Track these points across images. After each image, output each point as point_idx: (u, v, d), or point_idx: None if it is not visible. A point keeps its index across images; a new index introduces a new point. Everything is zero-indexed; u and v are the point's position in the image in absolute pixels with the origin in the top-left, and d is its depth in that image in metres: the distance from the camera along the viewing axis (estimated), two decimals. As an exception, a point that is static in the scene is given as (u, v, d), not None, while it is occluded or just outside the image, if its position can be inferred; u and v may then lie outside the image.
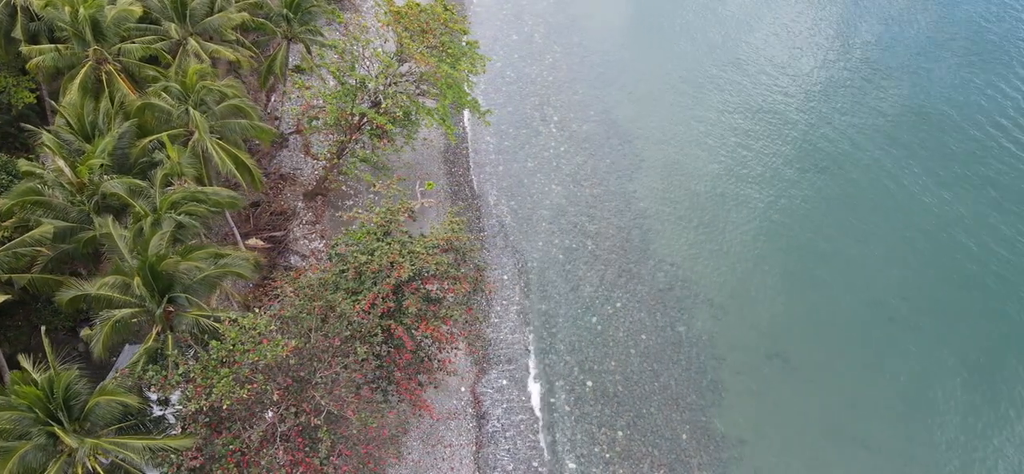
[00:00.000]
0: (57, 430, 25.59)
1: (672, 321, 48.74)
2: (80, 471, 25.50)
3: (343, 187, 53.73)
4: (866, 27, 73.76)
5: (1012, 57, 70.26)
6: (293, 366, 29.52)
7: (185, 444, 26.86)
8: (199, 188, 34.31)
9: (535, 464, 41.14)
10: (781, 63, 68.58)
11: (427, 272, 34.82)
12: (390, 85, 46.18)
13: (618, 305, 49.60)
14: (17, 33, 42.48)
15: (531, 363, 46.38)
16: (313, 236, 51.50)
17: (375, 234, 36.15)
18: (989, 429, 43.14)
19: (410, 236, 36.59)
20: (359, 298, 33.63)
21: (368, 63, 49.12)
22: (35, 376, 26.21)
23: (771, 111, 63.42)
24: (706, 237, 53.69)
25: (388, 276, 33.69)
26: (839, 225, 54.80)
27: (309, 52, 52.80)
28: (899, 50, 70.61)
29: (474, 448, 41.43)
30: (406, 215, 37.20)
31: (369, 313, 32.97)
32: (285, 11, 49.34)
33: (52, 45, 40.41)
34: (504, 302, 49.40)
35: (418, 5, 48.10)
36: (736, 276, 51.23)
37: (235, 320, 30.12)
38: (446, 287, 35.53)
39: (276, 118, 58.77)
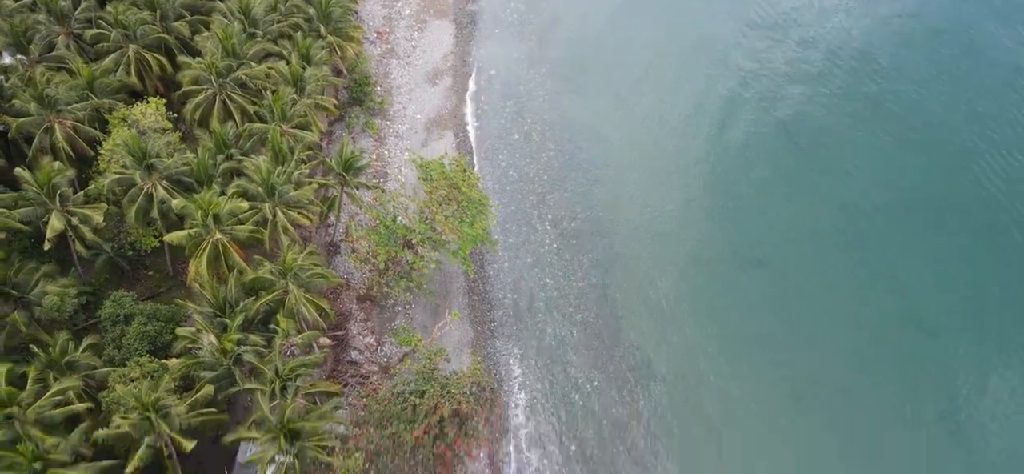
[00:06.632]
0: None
1: (636, 396, 65.63)
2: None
3: (386, 288, 70.04)
4: (799, 118, 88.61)
5: (933, 145, 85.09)
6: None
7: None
8: (305, 355, 50.84)
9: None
10: (732, 161, 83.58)
11: (460, 405, 51.62)
12: (423, 237, 62.39)
13: (595, 384, 66.41)
14: (154, 213, 58.69)
15: (531, 432, 63.48)
16: (366, 333, 68.12)
17: (424, 374, 52.86)
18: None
19: (446, 377, 53.27)
20: (414, 426, 50.60)
21: (404, 211, 65.35)
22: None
23: (719, 205, 78.88)
24: (662, 322, 69.94)
25: (434, 412, 50.53)
26: (770, 310, 70.86)
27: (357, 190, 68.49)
28: (826, 141, 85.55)
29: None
30: (444, 359, 53.81)
31: (422, 438, 49.97)
32: (340, 170, 64.93)
33: (185, 231, 56.45)
34: (508, 386, 66.17)
35: (444, 173, 63.68)
36: (683, 356, 67.62)
37: (339, 454, 47.17)
38: (474, 412, 52.30)
39: (329, 225, 74.74)
